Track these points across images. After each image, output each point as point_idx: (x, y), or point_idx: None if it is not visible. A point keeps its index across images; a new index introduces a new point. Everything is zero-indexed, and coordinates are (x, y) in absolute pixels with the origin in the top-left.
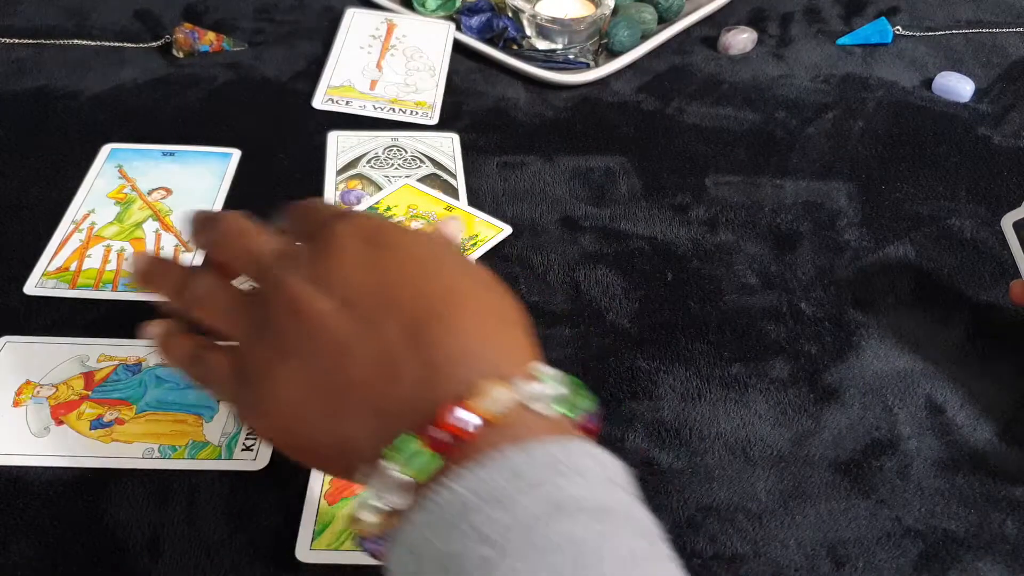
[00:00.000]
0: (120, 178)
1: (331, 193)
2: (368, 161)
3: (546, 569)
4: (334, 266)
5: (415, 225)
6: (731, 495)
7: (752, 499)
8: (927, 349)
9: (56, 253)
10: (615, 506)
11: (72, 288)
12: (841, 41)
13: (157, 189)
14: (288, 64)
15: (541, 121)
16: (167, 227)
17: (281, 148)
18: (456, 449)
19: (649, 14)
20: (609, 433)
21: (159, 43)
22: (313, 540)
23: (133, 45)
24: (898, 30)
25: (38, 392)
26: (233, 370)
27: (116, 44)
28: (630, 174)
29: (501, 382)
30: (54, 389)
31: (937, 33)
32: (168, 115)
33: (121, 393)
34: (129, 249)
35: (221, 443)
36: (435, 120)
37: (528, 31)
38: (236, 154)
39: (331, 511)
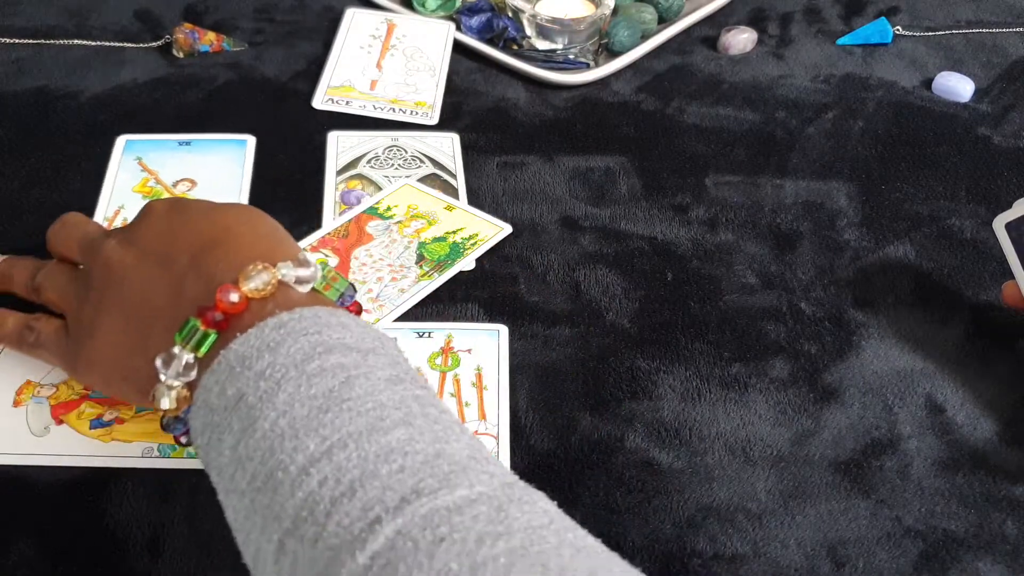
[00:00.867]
0: (142, 171)
1: (331, 193)
2: (368, 161)
3: (317, 388)
4: (139, 229)
5: (416, 225)
6: (731, 495)
7: (752, 499)
8: (927, 349)
9: None
10: (378, 348)
11: None
12: (841, 41)
13: (182, 181)
14: (288, 64)
15: (541, 121)
16: None
17: (281, 148)
18: (230, 324)
19: (649, 14)
20: (609, 433)
21: (159, 43)
22: None
23: (133, 45)
24: (898, 30)
25: (38, 392)
26: (63, 332)
27: (116, 44)
28: (630, 174)
29: (264, 267)
30: (54, 389)
31: (937, 33)
32: (168, 115)
33: None
34: None
35: None
36: (435, 120)
37: (528, 31)
38: (251, 140)
39: None
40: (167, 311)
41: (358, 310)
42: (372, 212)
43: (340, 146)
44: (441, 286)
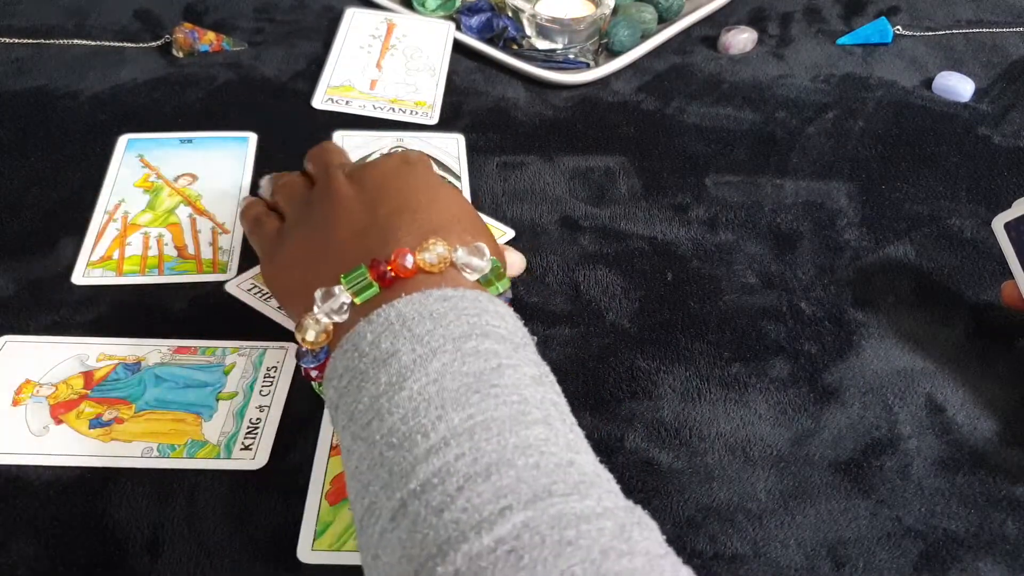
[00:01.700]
0: (143, 167)
1: None
2: None
3: (470, 367)
4: (369, 169)
5: None
6: (731, 495)
7: (752, 499)
8: (927, 349)
9: (96, 243)
10: (527, 344)
11: (119, 275)
12: (841, 41)
13: (183, 175)
14: (288, 64)
15: (541, 121)
16: (200, 211)
17: (281, 148)
18: (395, 285)
19: (649, 14)
20: (609, 433)
21: (159, 43)
22: (314, 540)
23: (133, 45)
24: (898, 30)
25: (38, 391)
26: (277, 231)
27: (116, 44)
28: (630, 174)
29: (444, 245)
30: (54, 388)
31: (937, 33)
32: (168, 115)
33: (120, 392)
34: (167, 236)
35: (220, 442)
36: (435, 120)
37: (528, 31)
38: (253, 137)
39: (332, 511)
40: (346, 250)
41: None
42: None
43: (346, 145)
44: None
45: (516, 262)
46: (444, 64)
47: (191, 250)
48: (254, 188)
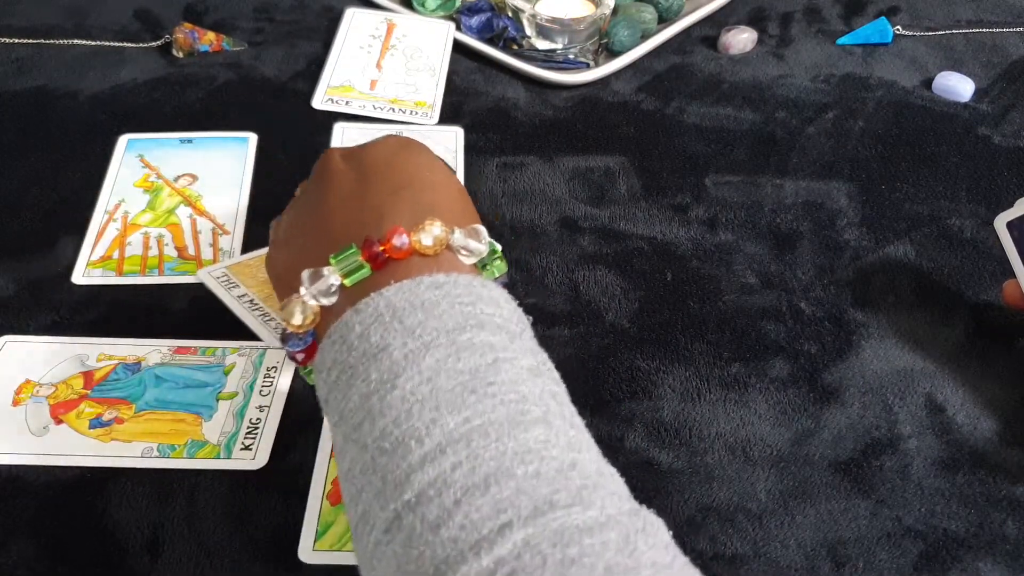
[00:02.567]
0: (143, 167)
1: None
2: None
3: (465, 363)
4: (366, 148)
5: None
6: (731, 495)
7: (752, 499)
8: (927, 349)
9: (96, 243)
10: (523, 332)
11: (119, 275)
12: (841, 41)
13: (183, 176)
14: (288, 64)
15: (541, 121)
16: (200, 212)
17: (280, 148)
18: (388, 267)
19: (649, 14)
20: (609, 433)
21: (159, 43)
22: (316, 541)
23: (133, 45)
24: (898, 30)
25: (38, 391)
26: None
27: (116, 44)
28: (630, 174)
29: (441, 226)
30: (53, 388)
31: (937, 33)
32: (168, 115)
33: (120, 392)
34: (168, 236)
35: (220, 442)
36: (435, 120)
37: (528, 31)
38: (253, 138)
39: (333, 512)
40: (337, 228)
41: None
42: None
43: (345, 138)
44: None
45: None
46: (444, 64)
47: (191, 250)
48: (254, 188)
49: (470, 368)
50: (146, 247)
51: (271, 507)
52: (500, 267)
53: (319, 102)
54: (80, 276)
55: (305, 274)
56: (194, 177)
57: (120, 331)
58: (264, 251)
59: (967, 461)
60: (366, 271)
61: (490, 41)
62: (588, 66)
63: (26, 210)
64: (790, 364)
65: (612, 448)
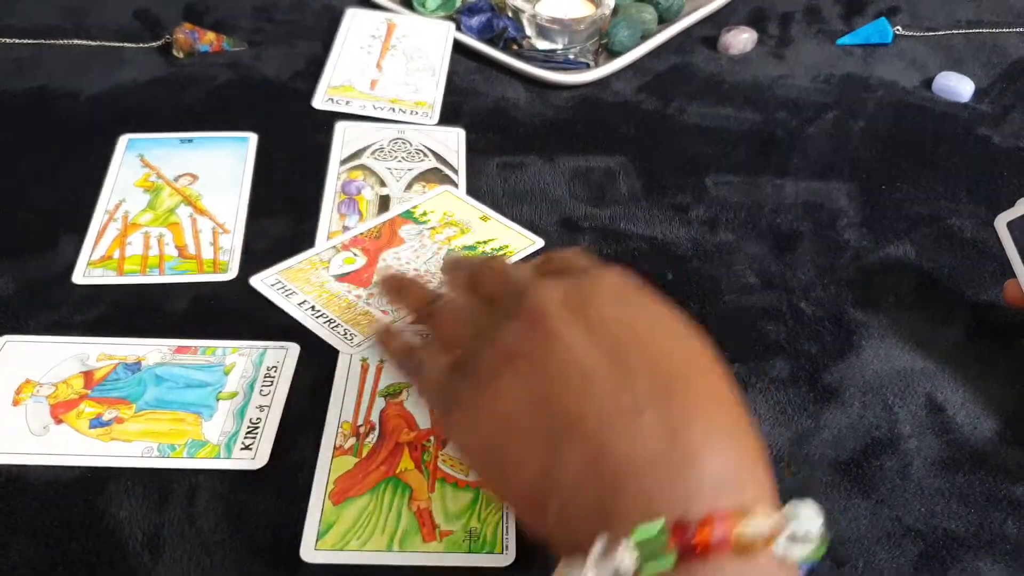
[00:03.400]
0: (143, 167)
1: (332, 182)
2: (372, 152)
3: None
4: (591, 296)
5: (448, 232)
6: None
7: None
8: (927, 349)
9: (96, 243)
10: None
11: (120, 275)
12: (841, 41)
13: (183, 175)
14: (288, 64)
15: (541, 121)
16: (200, 211)
17: (281, 148)
18: (692, 560)
19: (649, 14)
20: None
21: (159, 43)
22: (318, 540)
23: (133, 45)
24: (898, 30)
25: (38, 391)
26: (449, 369)
27: (116, 44)
28: (630, 174)
29: (771, 513)
30: (54, 388)
31: (937, 33)
32: (168, 115)
33: (120, 392)
34: (168, 235)
35: (220, 442)
36: (435, 120)
37: (528, 31)
38: (253, 138)
39: (335, 511)
40: (608, 433)
41: None
42: (407, 216)
43: (346, 136)
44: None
45: None
46: (444, 64)
47: (192, 250)
48: (254, 188)
49: None
50: (146, 246)
51: (272, 506)
52: (819, 550)
53: (319, 102)
54: (80, 276)
55: (599, 546)
56: (194, 177)
57: (121, 330)
58: (311, 254)
59: (967, 461)
60: (668, 563)
61: (490, 41)
62: (588, 66)
63: (26, 210)
64: (790, 364)
65: None
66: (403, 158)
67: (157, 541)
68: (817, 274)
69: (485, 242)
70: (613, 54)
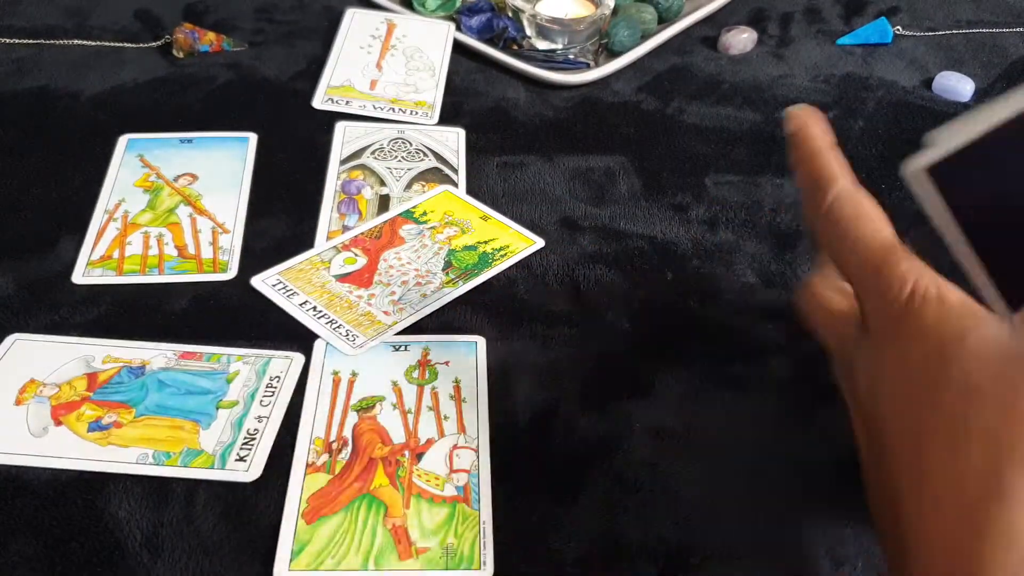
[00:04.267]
0: (143, 167)
1: (332, 181)
2: (372, 152)
3: None
4: None
5: (449, 232)
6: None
7: (752, 498)
8: None
9: (96, 242)
10: None
11: (120, 275)
12: (841, 41)
13: (183, 175)
14: (288, 64)
15: (541, 121)
16: (200, 211)
17: (281, 148)
18: None
19: (649, 14)
20: (609, 433)
21: (159, 43)
22: (291, 560)
23: (133, 45)
24: (898, 30)
25: (41, 391)
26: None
27: (116, 44)
28: (630, 174)
29: None
30: (57, 389)
31: (937, 33)
32: (168, 115)
33: (122, 396)
34: (168, 235)
35: (216, 452)
36: (435, 120)
37: (528, 31)
38: (253, 138)
39: (310, 530)
40: None
41: None
42: (407, 216)
43: (346, 136)
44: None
45: None
46: (444, 64)
47: (191, 250)
48: (254, 188)
49: None
50: (146, 246)
51: (269, 508)
52: None
53: (319, 102)
54: (80, 275)
55: None
56: (194, 177)
57: (120, 330)
58: (311, 254)
59: None
60: None
61: (490, 41)
62: (588, 66)
63: (26, 210)
64: (790, 364)
65: (612, 448)
66: (403, 158)
67: (156, 541)
68: None
69: (485, 242)
70: (613, 54)
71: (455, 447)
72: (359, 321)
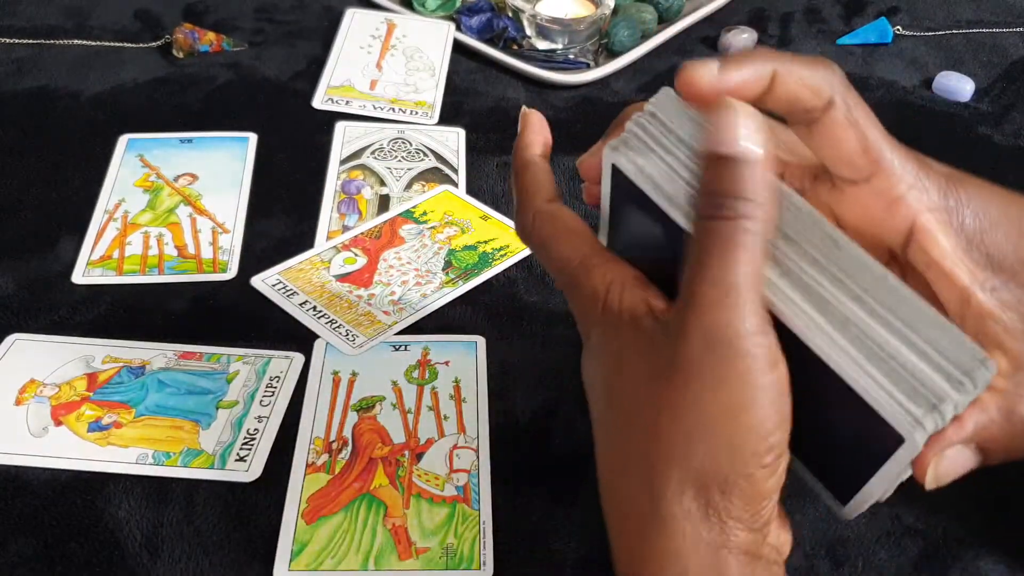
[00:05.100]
0: (143, 167)
1: (332, 181)
2: (372, 152)
3: None
4: None
5: (449, 232)
6: None
7: None
8: None
9: (96, 242)
10: None
11: (119, 275)
12: (841, 41)
13: (183, 175)
14: (288, 64)
15: None
16: (200, 211)
17: (281, 148)
18: None
19: (649, 14)
20: None
21: (159, 43)
22: (291, 560)
23: (133, 45)
24: (898, 30)
25: (41, 391)
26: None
27: (116, 44)
28: None
29: None
30: (57, 389)
31: (937, 33)
32: (168, 115)
33: (122, 396)
34: (168, 235)
35: (216, 452)
36: (435, 120)
37: (528, 31)
38: (253, 138)
39: (309, 530)
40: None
41: None
42: (407, 215)
43: (346, 136)
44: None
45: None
46: (444, 64)
47: (191, 249)
48: (254, 188)
49: None
50: (146, 246)
51: (269, 508)
52: None
53: (319, 102)
54: (80, 275)
55: None
56: (194, 177)
57: (120, 330)
58: (311, 254)
59: None
60: None
61: (490, 41)
62: (588, 66)
63: (26, 210)
64: None
65: None
66: (403, 158)
67: (156, 541)
68: None
69: (485, 242)
70: (613, 54)
71: (455, 447)
72: (359, 321)
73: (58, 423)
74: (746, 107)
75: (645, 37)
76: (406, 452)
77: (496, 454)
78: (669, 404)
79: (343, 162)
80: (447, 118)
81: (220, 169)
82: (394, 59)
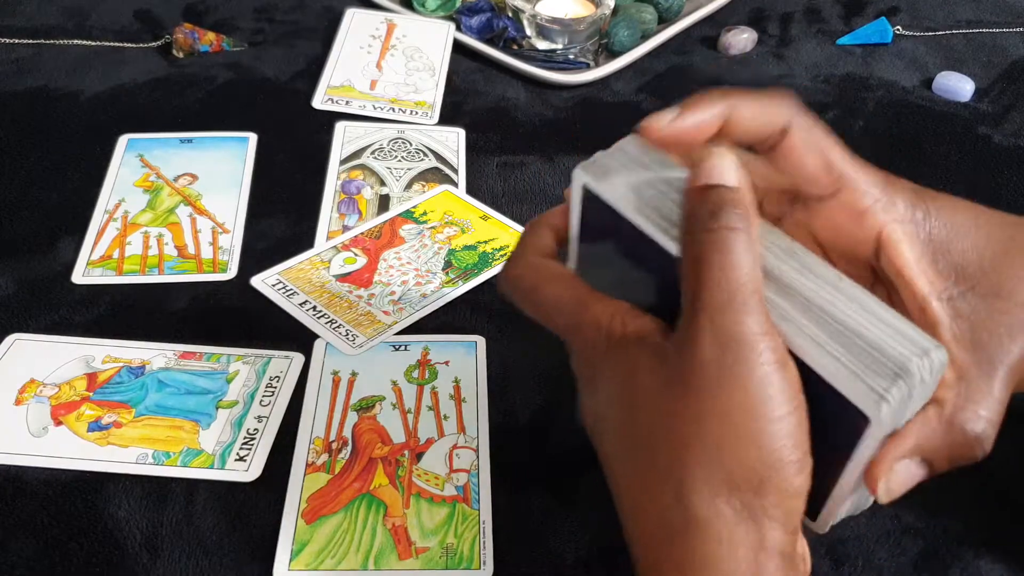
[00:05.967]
0: (143, 167)
1: (332, 181)
2: (372, 152)
3: None
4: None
5: (449, 232)
6: None
7: None
8: None
9: (96, 242)
10: None
11: (119, 274)
12: (841, 41)
13: (183, 175)
14: (288, 64)
15: (541, 121)
16: (200, 211)
17: (280, 148)
18: None
19: (649, 14)
20: None
21: (159, 43)
22: (291, 560)
23: (133, 45)
24: (898, 30)
25: (41, 391)
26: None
27: (116, 44)
28: None
29: None
30: (56, 389)
31: (937, 33)
32: (168, 115)
33: (122, 396)
34: (167, 235)
35: (215, 451)
36: (435, 120)
37: (528, 31)
38: (253, 138)
39: (309, 530)
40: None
41: None
42: (407, 216)
43: (346, 136)
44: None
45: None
46: (444, 64)
47: (191, 249)
48: (254, 188)
49: None
50: (146, 246)
51: (268, 508)
52: None
53: (319, 102)
54: (80, 275)
55: None
56: (194, 177)
57: (120, 330)
58: (311, 254)
59: None
60: None
61: (490, 41)
62: (588, 66)
63: (26, 210)
64: None
65: None
66: (403, 158)
67: (155, 541)
68: None
69: (485, 242)
70: (613, 54)
71: (455, 447)
72: (359, 321)
73: (58, 423)
74: (721, 150)
75: (645, 37)
76: (406, 452)
77: (496, 454)
78: (691, 412)
79: (343, 162)
80: (447, 118)
81: (220, 169)
82: (394, 59)
